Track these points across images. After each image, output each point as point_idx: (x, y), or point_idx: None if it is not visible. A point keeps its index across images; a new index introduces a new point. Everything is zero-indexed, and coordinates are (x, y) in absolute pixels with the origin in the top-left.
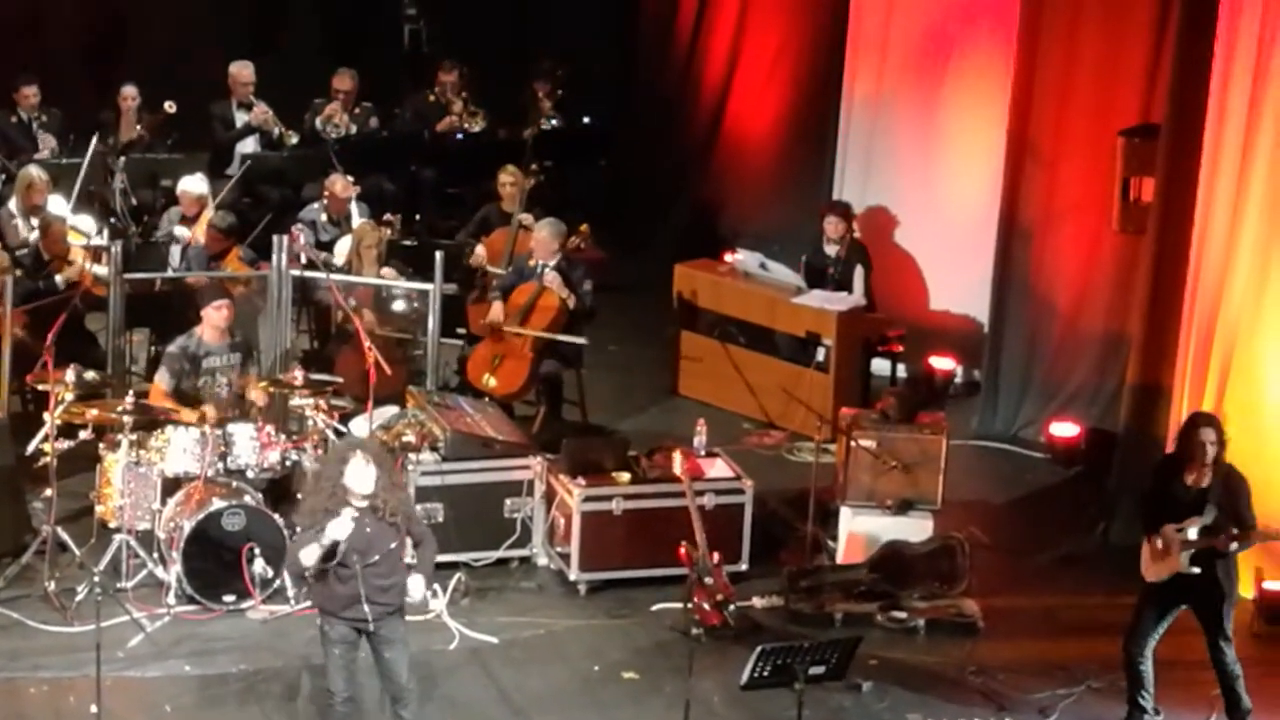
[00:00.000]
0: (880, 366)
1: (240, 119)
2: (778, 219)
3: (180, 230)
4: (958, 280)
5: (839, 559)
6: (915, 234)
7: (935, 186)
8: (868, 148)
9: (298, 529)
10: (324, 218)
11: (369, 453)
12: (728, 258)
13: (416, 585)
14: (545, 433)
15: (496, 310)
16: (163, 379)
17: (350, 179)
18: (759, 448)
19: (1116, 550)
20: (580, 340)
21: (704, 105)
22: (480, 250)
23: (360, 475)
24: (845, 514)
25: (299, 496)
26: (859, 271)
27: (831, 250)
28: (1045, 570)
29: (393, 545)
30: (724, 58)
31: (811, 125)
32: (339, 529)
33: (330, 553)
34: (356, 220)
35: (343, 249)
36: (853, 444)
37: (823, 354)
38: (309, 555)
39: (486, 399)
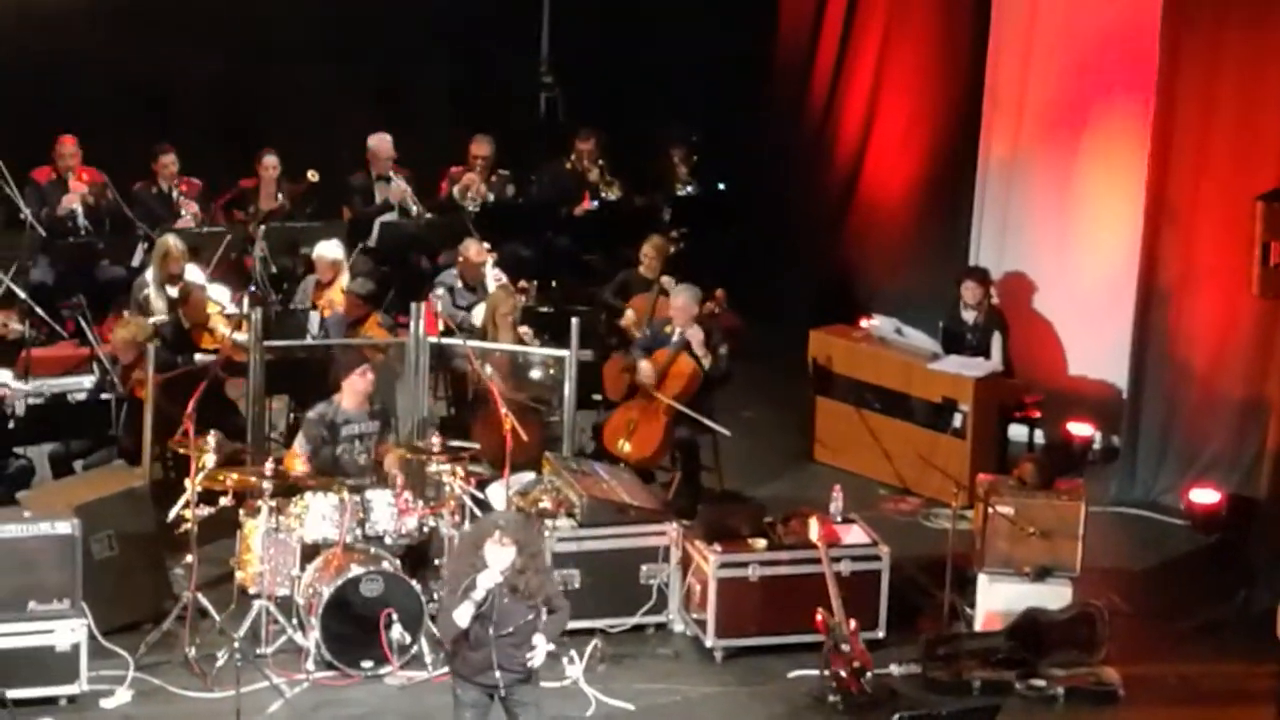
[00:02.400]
0: (1017, 432)
1: (379, 191)
2: (914, 284)
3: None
4: (1095, 345)
5: (977, 626)
6: (1052, 299)
7: (1072, 251)
8: (1004, 212)
9: (442, 596)
10: (459, 284)
11: (508, 534)
12: (863, 323)
13: (536, 648)
14: (681, 499)
15: (645, 369)
16: (300, 446)
17: (486, 245)
18: (895, 514)
19: (1257, 618)
20: (723, 431)
21: (839, 170)
22: (630, 313)
23: (496, 555)
24: (983, 581)
25: (436, 563)
26: (996, 338)
27: (969, 316)
28: (1185, 638)
29: (528, 618)
30: (859, 122)
31: (947, 190)
32: (488, 578)
33: (483, 602)
34: (492, 286)
35: (479, 316)
36: (990, 510)
37: (959, 419)
38: (463, 615)
39: (622, 465)
